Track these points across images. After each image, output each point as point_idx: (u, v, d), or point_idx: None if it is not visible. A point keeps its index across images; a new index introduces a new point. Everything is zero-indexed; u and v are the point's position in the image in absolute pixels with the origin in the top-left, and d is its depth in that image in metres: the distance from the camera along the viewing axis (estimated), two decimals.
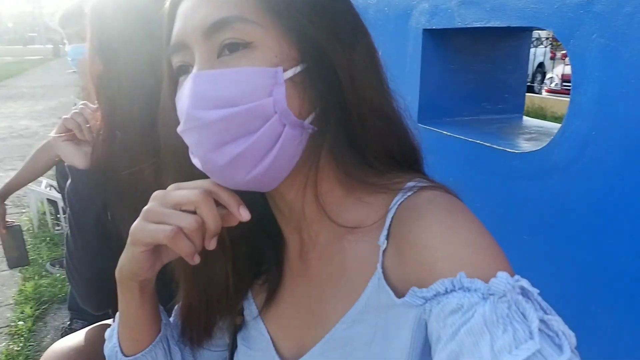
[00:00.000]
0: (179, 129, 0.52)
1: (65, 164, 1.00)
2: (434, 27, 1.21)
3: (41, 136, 6.00)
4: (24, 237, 2.13)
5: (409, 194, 0.53)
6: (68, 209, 1.01)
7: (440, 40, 1.27)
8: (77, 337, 1.13)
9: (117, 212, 0.98)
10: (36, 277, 2.43)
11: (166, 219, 0.52)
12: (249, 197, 0.56)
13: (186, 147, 0.55)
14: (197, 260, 0.53)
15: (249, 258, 0.65)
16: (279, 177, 0.54)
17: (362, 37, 0.55)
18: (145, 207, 0.54)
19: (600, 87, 0.82)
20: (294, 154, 0.53)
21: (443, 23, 1.18)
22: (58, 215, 2.99)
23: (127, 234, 0.56)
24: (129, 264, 0.57)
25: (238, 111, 0.49)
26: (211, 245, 0.53)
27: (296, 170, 0.54)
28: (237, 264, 0.63)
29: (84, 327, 1.75)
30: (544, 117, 6.94)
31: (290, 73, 0.50)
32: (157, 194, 0.55)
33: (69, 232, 1.01)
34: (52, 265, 2.52)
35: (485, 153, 1.08)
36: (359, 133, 0.54)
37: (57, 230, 2.99)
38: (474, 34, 1.28)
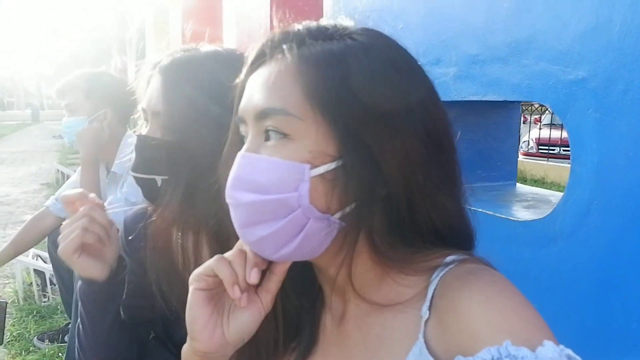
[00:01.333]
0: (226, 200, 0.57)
1: (80, 276, 0.97)
2: None
3: (22, 203, 5.89)
4: (6, 314, 2.05)
5: (451, 266, 0.54)
6: (80, 306, 0.99)
7: None
8: None
9: (168, 287, 0.98)
10: (23, 353, 2.31)
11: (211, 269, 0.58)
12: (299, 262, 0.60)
13: None
14: (236, 294, 0.56)
15: (290, 318, 0.66)
16: (310, 257, 0.57)
17: (427, 113, 0.55)
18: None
19: (599, 158, 0.86)
20: (321, 242, 0.55)
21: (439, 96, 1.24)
22: (45, 287, 2.90)
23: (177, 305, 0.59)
24: (187, 315, 0.60)
25: (265, 199, 0.53)
26: (252, 278, 0.56)
27: (331, 252, 0.56)
28: (281, 323, 0.65)
29: None
30: (524, 180, 7.13)
31: (321, 169, 0.52)
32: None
33: (80, 325, 1.00)
34: (40, 339, 2.41)
35: (486, 221, 1.11)
36: (404, 220, 0.55)
37: (44, 302, 2.88)
38: (468, 106, 1.34)
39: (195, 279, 0.59)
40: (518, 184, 1.50)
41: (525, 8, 0.97)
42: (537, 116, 10.51)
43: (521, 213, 1.12)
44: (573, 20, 0.88)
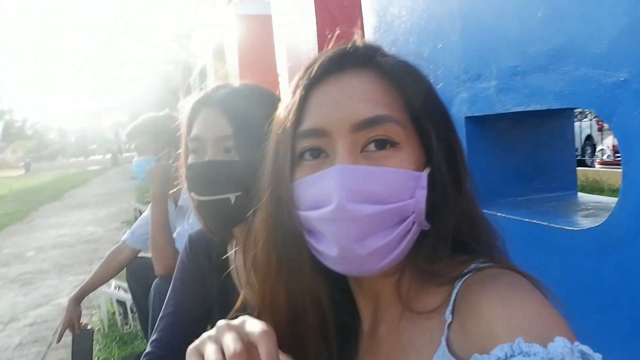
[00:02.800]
0: (317, 217, 0.54)
1: None
2: (475, 115, 1.27)
3: (106, 240, 6.30)
4: (94, 340, 2.21)
5: (473, 272, 0.56)
6: None
7: (483, 126, 1.32)
8: None
9: None
10: None
11: (204, 352, 0.50)
12: (343, 282, 0.63)
13: (296, 228, 0.58)
14: None
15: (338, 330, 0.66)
16: (391, 265, 0.57)
17: (457, 132, 0.61)
18: (204, 334, 0.53)
19: None
20: (410, 247, 0.57)
21: (484, 110, 1.24)
22: (127, 315, 3.08)
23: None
24: None
25: (386, 209, 0.53)
26: None
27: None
28: (333, 333, 0.64)
29: None
30: (601, 191, 6.70)
31: (425, 176, 0.56)
32: (218, 324, 0.53)
33: None
34: None
35: (542, 232, 1.09)
36: (460, 225, 0.58)
37: (127, 329, 3.06)
38: (516, 117, 1.33)
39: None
40: (580, 193, 1.45)
41: (560, 15, 0.97)
42: None
43: (579, 222, 1.09)
44: (609, 22, 0.87)
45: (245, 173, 0.97)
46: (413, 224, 0.55)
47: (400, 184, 0.54)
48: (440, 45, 1.34)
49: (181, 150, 1.11)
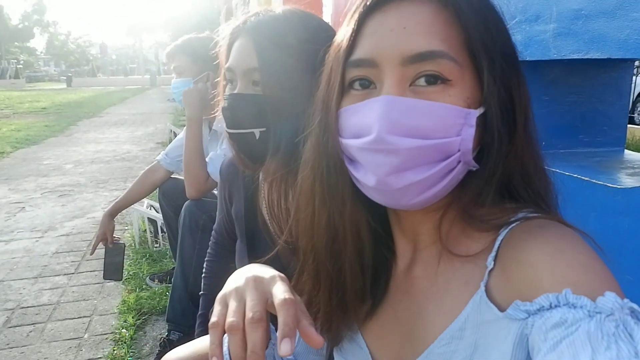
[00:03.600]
0: (357, 145, 0.55)
1: None
2: (527, 59, 1.20)
3: (141, 159, 6.47)
4: (125, 254, 2.32)
5: (521, 221, 0.54)
6: None
7: (534, 72, 1.26)
8: (193, 347, 1.24)
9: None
10: (137, 290, 2.60)
11: (226, 306, 0.56)
12: (384, 214, 0.63)
13: (338, 155, 0.58)
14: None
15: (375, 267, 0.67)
16: (431, 202, 0.56)
17: (523, 76, 0.58)
18: (234, 285, 0.58)
19: None
20: (453, 185, 0.56)
21: (537, 54, 1.17)
22: (157, 234, 3.20)
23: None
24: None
25: (428, 144, 0.52)
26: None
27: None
28: (370, 270, 0.66)
29: (180, 339, 1.87)
30: None
31: (478, 112, 0.54)
32: (246, 279, 0.57)
33: None
34: (151, 279, 2.69)
35: (583, 187, 1.05)
36: (510, 172, 0.57)
37: (156, 247, 3.18)
38: (570, 65, 1.25)
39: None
40: (627, 151, 1.39)
41: None
42: None
43: (622, 180, 1.05)
44: None
45: (270, 108, 0.96)
46: (458, 162, 0.54)
47: (447, 119, 0.52)
48: None
49: (219, 79, 1.09)
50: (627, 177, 1.08)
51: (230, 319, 0.52)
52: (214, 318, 0.54)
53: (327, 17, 2.52)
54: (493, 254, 0.54)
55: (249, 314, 0.52)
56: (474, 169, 0.56)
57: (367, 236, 0.63)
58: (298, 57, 0.94)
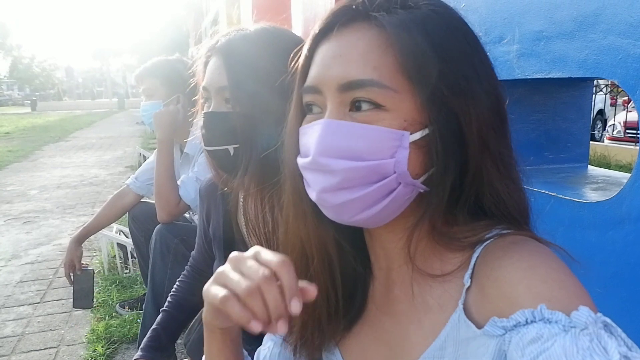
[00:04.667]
0: (300, 165, 0.58)
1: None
2: None
3: (109, 184, 6.33)
4: (94, 281, 2.26)
5: (495, 238, 0.55)
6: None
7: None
8: None
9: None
10: (107, 318, 2.52)
11: (227, 282, 0.52)
12: (351, 231, 0.63)
13: (298, 173, 0.60)
14: (255, 328, 0.50)
15: (348, 286, 0.67)
16: (381, 222, 0.58)
17: (492, 87, 0.57)
18: (219, 269, 0.55)
19: None
20: (400, 206, 0.56)
21: (502, 74, 1.20)
22: (127, 260, 3.12)
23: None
24: (206, 313, 0.61)
25: (361, 166, 0.53)
26: (279, 329, 0.50)
27: (398, 218, 0.58)
28: (341, 286, 0.66)
29: None
30: (608, 166, 6.67)
31: (417, 135, 0.53)
32: (232, 256, 0.55)
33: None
34: (122, 306, 2.61)
35: (551, 203, 1.08)
36: (471, 191, 0.56)
37: (126, 273, 3.10)
38: (533, 84, 1.30)
39: (207, 302, 0.57)
40: (590, 167, 1.44)
41: None
42: (625, 98, 9.74)
43: (588, 195, 1.08)
44: None
45: (241, 125, 0.97)
46: (399, 183, 0.54)
47: (380, 142, 0.53)
48: (463, 5, 1.29)
49: (198, 98, 1.10)
50: (591, 191, 1.12)
51: (243, 285, 0.50)
52: (222, 292, 0.51)
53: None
54: (469, 271, 0.54)
55: (258, 274, 0.50)
56: (422, 190, 0.56)
57: (335, 251, 0.64)
58: (267, 74, 0.95)
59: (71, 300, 2.23)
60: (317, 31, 0.59)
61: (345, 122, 0.54)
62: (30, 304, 2.79)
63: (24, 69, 65.20)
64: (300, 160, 0.58)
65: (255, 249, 0.54)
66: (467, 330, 0.52)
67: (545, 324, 0.44)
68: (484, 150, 0.55)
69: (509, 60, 1.17)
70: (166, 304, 1.36)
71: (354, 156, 0.53)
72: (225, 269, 0.54)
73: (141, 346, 1.26)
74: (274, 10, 2.95)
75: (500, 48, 1.19)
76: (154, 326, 1.31)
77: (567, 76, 1.03)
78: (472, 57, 0.56)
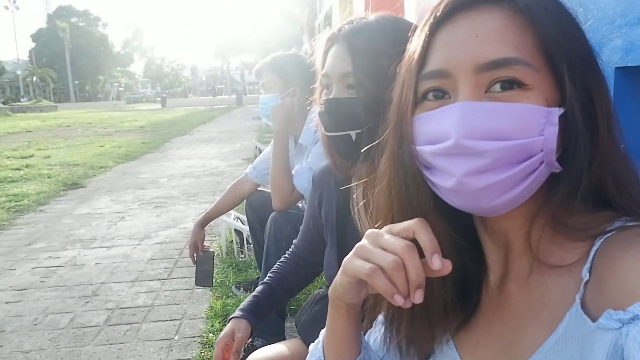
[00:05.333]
0: (432, 151, 0.55)
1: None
2: (629, 65, 1.14)
3: (227, 174, 6.76)
4: (215, 262, 2.43)
5: (618, 230, 0.52)
6: None
7: (636, 79, 1.19)
8: (278, 348, 1.28)
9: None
10: (224, 297, 2.71)
11: (371, 256, 0.55)
12: (464, 227, 0.62)
13: (414, 163, 0.59)
14: (399, 301, 0.53)
15: (457, 280, 0.66)
16: (513, 206, 0.55)
17: (603, 78, 0.56)
18: (358, 244, 0.59)
19: None
20: (534, 189, 0.54)
21: (639, 60, 1.10)
22: (243, 245, 3.32)
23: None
24: (339, 287, 0.63)
25: (509, 145, 0.51)
26: (417, 298, 0.53)
27: (520, 205, 0.55)
28: (452, 283, 0.65)
29: (264, 345, 1.91)
30: None
31: (558, 112, 0.52)
32: (370, 232, 0.58)
33: None
34: (237, 288, 2.78)
35: None
36: (595, 176, 0.54)
37: (242, 258, 3.29)
38: None
39: (347, 275, 0.60)
40: None
41: None
42: None
43: None
44: None
45: (364, 110, 0.99)
46: (541, 163, 0.52)
47: (527, 119, 0.51)
48: None
49: (316, 86, 1.13)
50: None
51: (388, 259, 0.54)
52: (368, 265, 0.55)
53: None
54: (588, 265, 0.51)
55: (400, 246, 0.54)
56: (557, 171, 0.54)
57: (449, 249, 0.61)
58: (390, 59, 0.95)
59: (193, 279, 2.42)
60: (437, 15, 0.57)
61: (488, 103, 0.52)
62: (158, 280, 3.09)
63: (156, 69, 71.48)
64: (431, 147, 0.55)
65: (387, 227, 0.58)
66: (584, 325, 0.50)
67: None
68: (610, 133, 0.53)
69: None
70: (267, 277, 1.39)
71: (501, 136, 0.51)
72: (365, 244, 0.57)
73: (240, 307, 1.31)
74: (387, 6, 2.94)
75: (638, 30, 1.09)
76: (255, 293, 1.35)
77: None
78: (586, 37, 0.56)
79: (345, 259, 0.60)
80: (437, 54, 0.56)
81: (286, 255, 1.44)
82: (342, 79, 1.02)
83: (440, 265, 0.52)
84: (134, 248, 3.74)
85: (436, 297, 0.64)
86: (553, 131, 0.51)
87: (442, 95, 0.56)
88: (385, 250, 0.55)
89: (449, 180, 0.54)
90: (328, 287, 1.33)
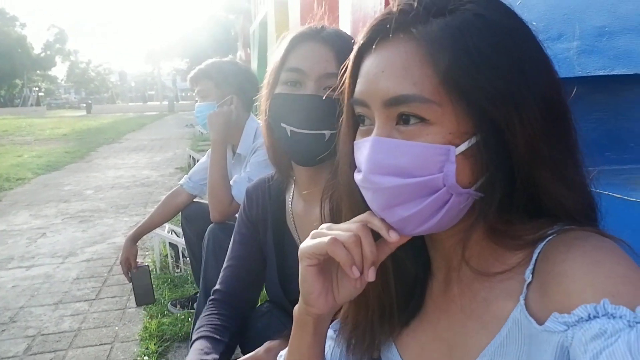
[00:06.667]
0: (357, 180, 0.59)
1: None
2: None
3: (160, 185, 6.53)
4: (151, 276, 2.33)
5: (557, 233, 0.54)
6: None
7: None
8: None
9: None
10: (159, 316, 2.58)
11: (330, 233, 0.60)
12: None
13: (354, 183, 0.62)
14: (356, 274, 0.57)
15: (404, 286, 0.68)
16: (445, 228, 0.58)
17: (547, 90, 0.55)
18: (313, 231, 0.62)
19: None
20: (459, 213, 0.57)
21: (561, 72, 1.15)
22: (178, 259, 3.20)
23: None
24: (302, 287, 0.63)
25: (410, 182, 0.54)
26: (370, 276, 0.58)
27: (456, 223, 0.58)
28: (394, 289, 0.67)
29: None
30: None
31: (463, 147, 0.53)
32: (323, 225, 0.62)
33: None
34: (173, 305, 2.68)
35: (615, 205, 1.04)
36: (521, 194, 0.56)
37: (177, 272, 3.17)
38: (594, 82, 1.25)
39: (307, 256, 0.61)
40: None
41: None
42: None
43: None
44: None
45: (340, 113, 0.99)
46: (451, 195, 0.54)
47: (426, 157, 0.53)
48: (519, 2, 1.26)
49: (266, 81, 1.11)
50: None
51: (346, 234, 0.58)
52: (327, 237, 0.58)
53: None
54: (531, 267, 0.54)
55: (355, 225, 0.59)
56: (478, 197, 0.56)
57: (389, 257, 0.64)
58: None
59: (125, 297, 2.30)
60: (359, 45, 0.60)
61: (393, 140, 0.55)
62: (86, 301, 2.91)
63: (81, 73, 68.21)
64: (356, 176, 0.60)
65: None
66: (529, 326, 0.52)
67: (609, 319, 0.43)
68: (533, 157, 0.54)
69: (569, 57, 1.14)
70: (196, 331, 1.23)
71: (403, 173, 0.54)
72: (321, 229, 0.61)
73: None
74: (322, 16, 2.96)
75: (560, 45, 1.15)
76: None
77: (632, 72, 0.99)
78: (520, 62, 0.54)
79: (300, 246, 0.62)
80: (359, 84, 0.59)
81: (209, 311, 1.25)
82: (323, 79, 1.02)
83: (397, 236, 0.57)
84: (57, 267, 3.51)
85: (379, 302, 0.66)
86: (451, 168, 0.53)
87: (370, 122, 0.59)
88: (341, 230, 0.59)
89: (373, 210, 0.59)
90: (270, 302, 1.30)
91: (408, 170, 0.54)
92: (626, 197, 1.01)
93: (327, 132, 1.02)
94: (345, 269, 0.58)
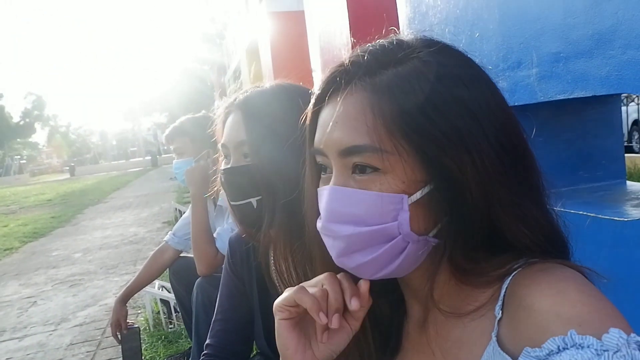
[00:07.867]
0: (318, 229, 0.60)
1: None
2: (515, 104, 1.23)
3: (148, 241, 6.47)
4: (141, 338, 2.27)
5: (522, 268, 0.54)
6: None
7: (524, 116, 1.28)
8: None
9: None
10: None
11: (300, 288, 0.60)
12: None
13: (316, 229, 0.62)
14: (323, 319, 0.57)
15: (380, 329, 0.68)
16: (405, 273, 0.59)
17: (499, 127, 0.55)
18: (285, 293, 0.62)
19: None
20: (418, 259, 0.58)
21: (524, 99, 1.20)
22: (171, 315, 3.14)
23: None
24: (277, 342, 0.63)
25: (365, 230, 0.55)
26: (334, 322, 0.58)
27: (421, 265, 0.59)
28: (371, 334, 0.67)
29: None
30: None
31: (417, 196, 0.54)
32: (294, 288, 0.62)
33: None
34: None
35: (590, 224, 1.05)
36: (482, 233, 0.56)
37: (171, 328, 3.12)
38: (558, 105, 1.28)
39: (279, 310, 0.61)
40: (629, 182, 1.40)
41: None
42: None
43: (629, 212, 1.05)
44: None
45: (262, 177, 1.00)
46: (407, 242, 0.55)
47: (379, 206, 0.54)
48: (477, 34, 1.31)
49: (218, 155, 1.14)
50: (632, 208, 1.08)
51: (314, 288, 0.60)
52: (293, 293, 0.59)
53: (318, 82, 2.60)
54: (499, 303, 0.54)
55: (323, 276, 0.61)
56: (435, 243, 0.56)
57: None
58: (286, 125, 0.97)
59: (119, 359, 2.25)
60: (315, 97, 0.61)
61: (348, 189, 0.56)
62: None
63: (62, 137, 68.18)
64: (318, 223, 0.61)
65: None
66: None
67: (578, 350, 0.43)
68: (489, 200, 0.54)
69: (530, 84, 1.17)
70: None
71: (358, 221, 0.55)
72: (289, 295, 0.61)
73: None
74: (293, 59, 3.04)
75: (520, 72, 1.19)
76: None
77: (590, 94, 1.02)
78: (470, 103, 0.54)
79: (274, 303, 0.62)
80: (317, 134, 0.60)
81: None
82: (238, 148, 1.03)
83: (358, 305, 0.58)
84: (50, 334, 3.43)
85: (357, 347, 0.66)
86: (405, 217, 0.54)
87: (330, 171, 0.60)
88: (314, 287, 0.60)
89: (333, 256, 0.60)
90: (260, 354, 1.28)
91: (363, 218, 0.55)
92: (600, 216, 1.03)
93: (253, 200, 1.03)
94: (312, 314, 0.57)
